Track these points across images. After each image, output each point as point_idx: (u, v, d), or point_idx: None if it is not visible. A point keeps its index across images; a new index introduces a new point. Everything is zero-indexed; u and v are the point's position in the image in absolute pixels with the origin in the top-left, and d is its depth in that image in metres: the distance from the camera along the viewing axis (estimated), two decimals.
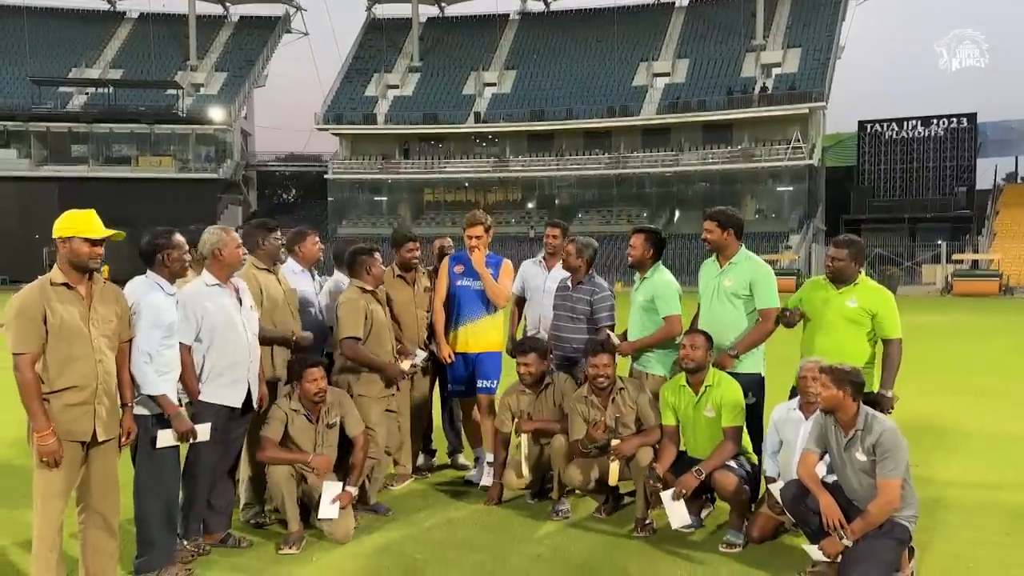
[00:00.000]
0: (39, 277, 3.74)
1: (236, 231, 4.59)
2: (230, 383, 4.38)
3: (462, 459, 6.31)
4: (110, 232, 3.82)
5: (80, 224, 3.71)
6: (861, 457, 4.01)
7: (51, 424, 3.56)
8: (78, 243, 3.68)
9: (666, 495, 4.55)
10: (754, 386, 4.91)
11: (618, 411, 4.93)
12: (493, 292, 5.70)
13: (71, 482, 3.71)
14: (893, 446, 3.94)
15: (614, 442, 4.83)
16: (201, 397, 4.30)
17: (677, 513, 4.55)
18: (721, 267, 5.04)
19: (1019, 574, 4.20)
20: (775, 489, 4.44)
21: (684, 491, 4.55)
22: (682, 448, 4.94)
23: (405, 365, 5.32)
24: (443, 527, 4.95)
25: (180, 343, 4.15)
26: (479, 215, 5.89)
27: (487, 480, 5.61)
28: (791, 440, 4.58)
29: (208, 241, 4.38)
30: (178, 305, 4.17)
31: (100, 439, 3.72)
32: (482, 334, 5.76)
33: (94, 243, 3.71)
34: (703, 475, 4.58)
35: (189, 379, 4.25)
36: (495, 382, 5.79)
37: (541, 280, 5.90)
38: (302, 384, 4.57)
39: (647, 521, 4.81)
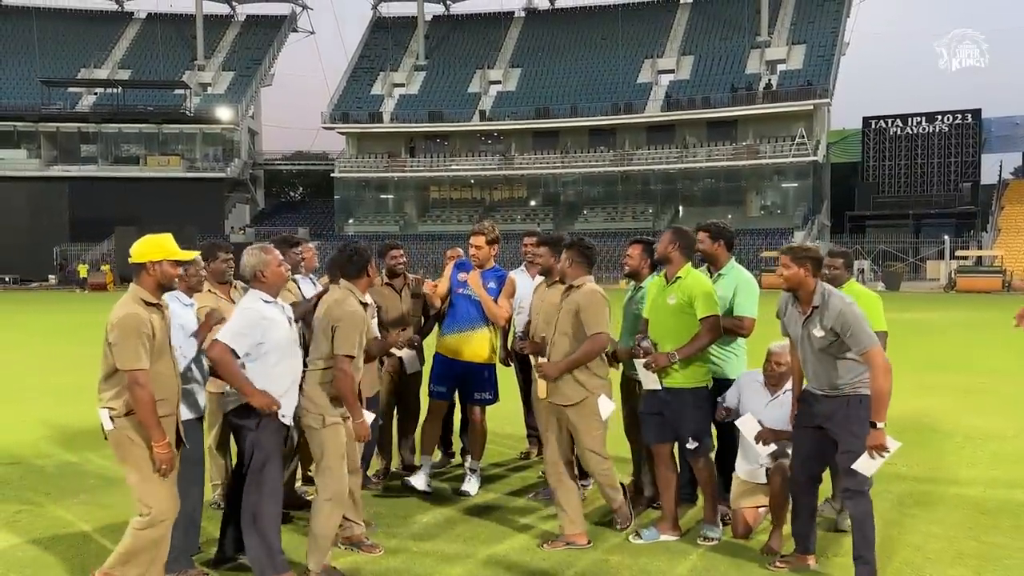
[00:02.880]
0: (126, 297, 3.89)
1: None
2: (284, 398, 4.24)
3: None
4: (193, 253, 4.20)
5: (167, 247, 3.95)
6: (819, 333, 4.15)
7: (167, 435, 3.81)
8: (167, 265, 3.93)
9: (639, 363, 4.89)
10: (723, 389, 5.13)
11: (567, 306, 4.87)
12: (492, 314, 5.74)
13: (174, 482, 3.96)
14: (854, 320, 4.05)
15: (541, 360, 5.00)
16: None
17: (648, 378, 4.89)
18: (711, 276, 5.28)
19: (973, 563, 4.50)
20: (742, 425, 4.79)
21: (654, 364, 4.78)
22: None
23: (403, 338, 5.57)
24: (441, 523, 5.26)
25: (224, 346, 4.04)
26: (484, 225, 5.90)
27: (472, 487, 5.85)
28: (754, 408, 4.84)
29: (248, 263, 4.23)
30: (240, 316, 4.14)
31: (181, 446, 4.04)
32: (476, 345, 5.79)
33: (178, 263, 4.01)
34: (676, 359, 4.74)
35: (243, 385, 4.09)
36: (490, 394, 5.87)
37: (528, 289, 5.88)
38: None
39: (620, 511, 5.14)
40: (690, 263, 4.91)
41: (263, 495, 4.15)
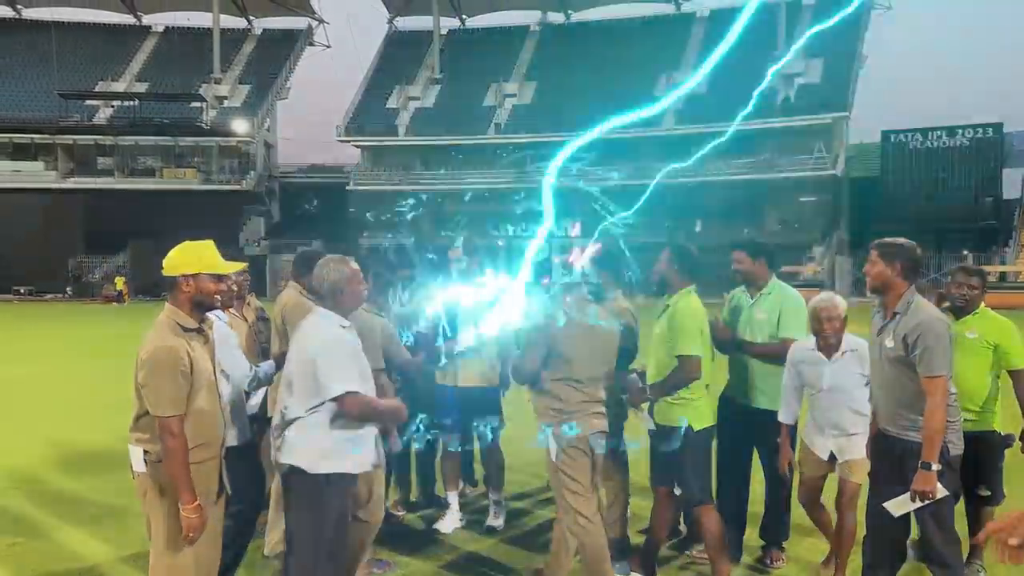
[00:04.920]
0: (160, 321, 3.32)
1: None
2: (362, 443, 3.59)
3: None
4: (238, 266, 3.66)
5: (206, 258, 3.37)
6: (889, 343, 3.61)
7: (197, 495, 3.21)
8: (205, 280, 3.34)
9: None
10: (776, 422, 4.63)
11: None
12: None
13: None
14: (935, 339, 3.47)
15: None
16: (323, 469, 3.45)
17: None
18: (752, 298, 4.86)
19: None
20: (893, 508, 3.82)
21: (629, 401, 4.48)
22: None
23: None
24: (466, 561, 4.91)
25: (359, 397, 3.48)
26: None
27: (499, 521, 5.51)
28: (814, 381, 4.37)
29: (327, 278, 3.58)
30: (339, 351, 3.49)
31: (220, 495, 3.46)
32: (475, 367, 5.36)
33: (220, 278, 3.43)
34: (648, 398, 4.35)
35: (391, 412, 3.65)
36: (496, 420, 5.49)
37: None
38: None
39: None
40: (690, 287, 4.40)
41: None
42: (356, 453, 3.53)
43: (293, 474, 3.47)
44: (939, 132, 51.53)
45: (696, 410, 4.27)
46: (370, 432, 3.61)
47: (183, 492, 3.17)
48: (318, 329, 3.53)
